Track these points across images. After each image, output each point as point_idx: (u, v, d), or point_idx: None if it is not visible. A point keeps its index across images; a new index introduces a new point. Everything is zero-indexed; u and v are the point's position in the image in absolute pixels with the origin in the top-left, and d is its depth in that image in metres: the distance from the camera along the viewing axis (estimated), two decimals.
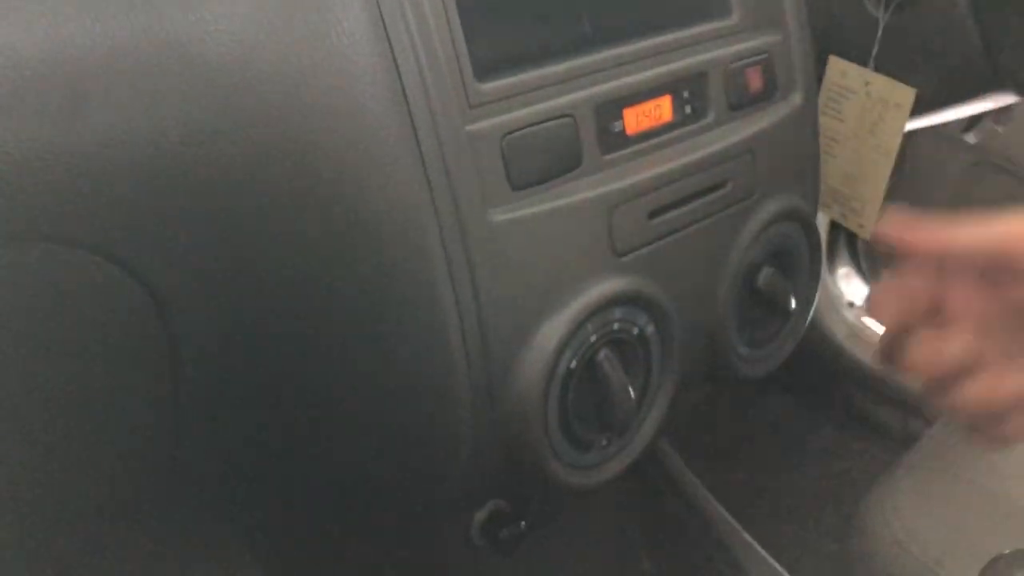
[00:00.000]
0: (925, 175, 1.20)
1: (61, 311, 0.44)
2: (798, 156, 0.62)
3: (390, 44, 0.42)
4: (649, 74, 0.53)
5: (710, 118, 0.56)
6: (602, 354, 0.51)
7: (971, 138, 1.01)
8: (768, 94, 0.59)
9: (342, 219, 0.44)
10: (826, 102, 0.77)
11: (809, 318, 0.67)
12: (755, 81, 0.58)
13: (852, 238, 1.33)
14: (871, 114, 0.77)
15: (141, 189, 0.42)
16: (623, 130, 0.52)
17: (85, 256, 0.43)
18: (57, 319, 0.44)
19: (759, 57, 0.58)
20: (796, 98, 0.61)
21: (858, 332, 1.29)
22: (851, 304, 1.46)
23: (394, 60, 0.43)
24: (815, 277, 0.66)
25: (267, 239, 0.45)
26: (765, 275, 0.59)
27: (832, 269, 1.36)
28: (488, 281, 0.46)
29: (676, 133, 0.54)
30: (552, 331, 0.48)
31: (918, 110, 0.75)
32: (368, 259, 0.45)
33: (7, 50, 0.38)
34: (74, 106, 0.40)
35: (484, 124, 0.46)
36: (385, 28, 0.42)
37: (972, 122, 1.00)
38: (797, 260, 0.63)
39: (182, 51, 0.41)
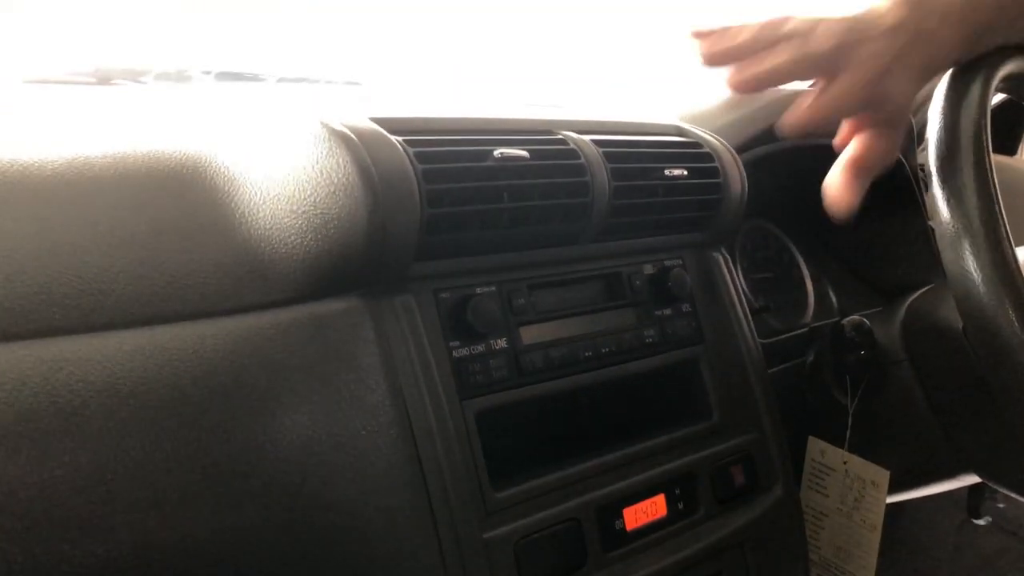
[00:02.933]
0: (923, 534, 1.24)
1: None
2: (787, 544, 0.67)
3: (420, 463, 0.50)
4: (644, 476, 0.60)
5: (701, 512, 0.62)
6: None
7: (981, 522, 1.06)
8: (752, 488, 0.66)
9: None
10: (810, 479, 0.83)
11: None
12: (739, 477, 0.65)
13: None
14: (852, 491, 0.84)
15: None
16: (623, 528, 0.58)
17: None
18: None
19: (741, 454, 0.66)
20: (778, 489, 0.68)
21: None
22: None
23: (423, 477, 0.50)
24: None
25: None
26: None
27: None
28: None
29: (671, 528, 0.60)
30: None
31: (896, 487, 0.81)
32: None
33: (92, 476, 0.45)
34: (146, 523, 0.46)
35: (499, 531, 0.52)
36: (417, 451, 0.50)
37: (974, 502, 1.05)
38: None
39: (249, 475, 0.48)
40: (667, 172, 0.64)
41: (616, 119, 0.67)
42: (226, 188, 0.52)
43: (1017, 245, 0.63)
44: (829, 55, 0.55)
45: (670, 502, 0.61)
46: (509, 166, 0.55)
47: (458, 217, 0.52)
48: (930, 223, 1.04)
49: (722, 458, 0.65)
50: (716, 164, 0.68)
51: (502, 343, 0.56)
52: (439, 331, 0.53)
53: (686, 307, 0.67)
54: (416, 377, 0.51)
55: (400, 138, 0.51)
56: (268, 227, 0.50)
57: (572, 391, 0.59)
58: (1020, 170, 1.28)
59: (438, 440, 0.51)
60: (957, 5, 0.59)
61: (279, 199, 0.50)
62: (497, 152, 0.54)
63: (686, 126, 0.72)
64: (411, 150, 0.51)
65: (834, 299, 1.06)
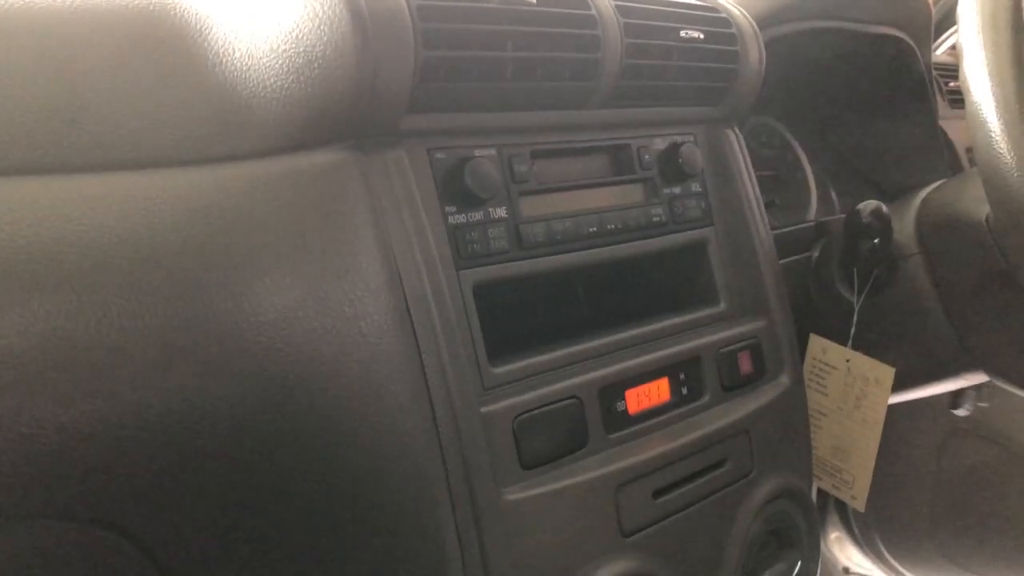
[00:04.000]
0: (910, 442, 1.23)
1: None
2: (790, 435, 0.64)
3: (415, 332, 0.46)
4: (648, 358, 0.56)
5: (706, 399, 0.59)
6: None
7: (960, 412, 1.05)
8: (758, 376, 0.63)
9: (358, 497, 0.45)
10: (811, 377, 0.81)
11: None
12: (745, 364, 0.62)
13: (842, 502, 1.33)
14: (854, 389, 0.81)
15: (167, 467, 0.43)
16: (626, 410, 0.54)
17: (95, 531, 0.43)
18: None
19: (748, 342, 0.63)
20: (784, 379, 0.65)
21: None
22: (846, 570, 1.42)
23: (417, 347, 0.46)
24: (814, 553, 0.66)
25: (282, 513, 0.46)
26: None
27: (824, 534, 1.35)
28: (498, 560, 0.46)
29: (675, 413, 0.57)
30: None
31: (898, 386, 0.79)
32: (380, 535, 0.46)
33: (57, 332, 0.41)
34: (112, 387, 0.42)
35: (497, 406, 0.48)
36: (411, 318, 0.46)
37: (956, 398, 1.04)
38: (796, 537, 0.64)
39: (224, 339, 0.44)
40: (683, 34, 0.58)
41: None
42: (196, 24, 0.46)
43: None
44: None
45: (674, 386, 0.58)
46: (514, 10, 0.49)
47: (457, 63, 0.47)
48: (942, 123, 1.00)
49: (729, 344, 0.61)
50: (734, 31, 0.63)
51: (501, 212, 0.51)
52: (434, 193, 0.49)
53: (696, 186, 0.63)
54: (409, 241, 0.46)
55: None
56: (244, 68, 0.45)
57: (574, 268, 0.55)
58: None
59: (434, 309, 0.47)
60: None
61: (255, 36, 0.44)
62: None
63: None
64: None
65: (836, 200, 1.02)
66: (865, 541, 1.39)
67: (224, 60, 0.45)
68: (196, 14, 0.46)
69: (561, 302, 0.57)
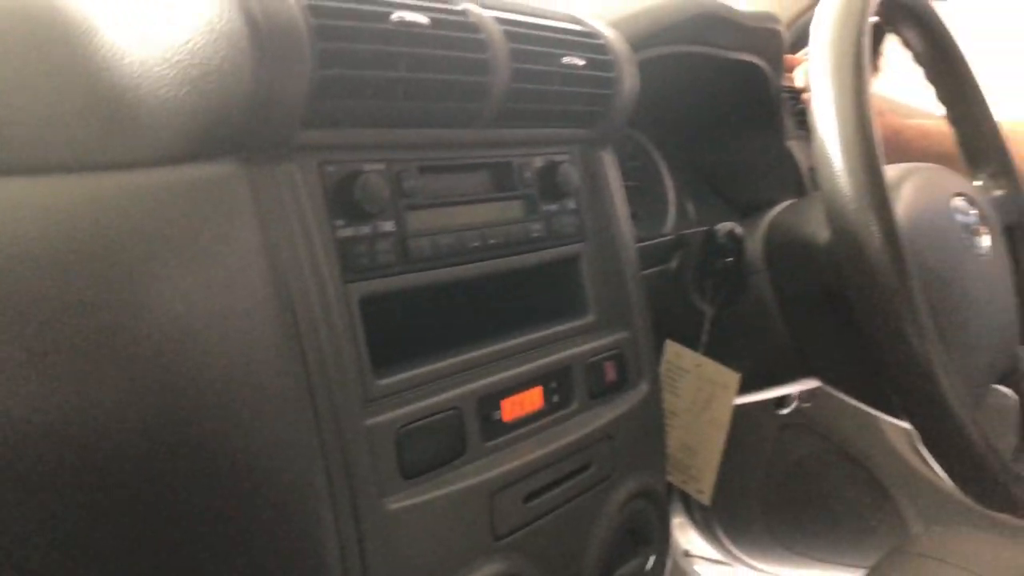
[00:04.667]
0: (746, 437, 1.33)
1: None
2: (648, 438, 0.69)
3: (301, 346, 0.47)
4: (523, 368, 0.59)
5: (574, 406, 0.63)
6: None
7: (783, 411, 1.14)
8: (621, 384, 0.67)
9: (239, 510, 0.46)
10: (665, 380, 0.87)
11: None
12: (610, 373, 0.66)
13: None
14: (704, 392, 0.88)
15: (25, 475, 0.42)
16: (501, 418, 0.57)
17: None
18: None
19: (613, 352, 0.67)
20: (644, 386, 0.69)
21: None
22: (686, 553, 1.53)
23: (304, 361, 0.47)
24: (665, 547, 0.71)
25: (160, 525, 0.46)
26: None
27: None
28: (378, 568, 0.48)
29: (546, 420, 0.60)
30: None
31: (743, 389, 0.86)
32: (261, 544, 0.47)
33: None
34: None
35: (381, 418, 0.50)
36: (298, 331, 0.47)
37: (781, 398, 1.14)
38: (650, 533, 0.69)
39: (102, 350, 0.43)
40: (565, 60, 0.61)
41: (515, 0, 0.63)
42: (83, 26, 0.44)
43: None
44: None
45: (547, 395, 0.61)
46: (407, 32, 0.50)
47: (351, 82, 0.48)
48: (789, 143, 1.09)
49: (596, 354, 0.65)
50: (612, 58, 0.66)
51: (389, 226, 0.53)
52: (323, 207, 0.49)
53: (572, 204, 0.66)
54: (297, 254, 0.47)
55: None
56: (136, 75, 0.44)
57: (458, 281, 0.57)
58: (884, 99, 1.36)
59: (320, 323, 0.47)
60: None
61: (148, 44, 0.44)
62: (396, 15, 0.50)
63: (580, 15, 0.69)
64: (304, 1, 0.45)
65: (693, 212, 1.09)
66: (704, 526, 1.49)
67: (114, 66, 0.44)
68: (83, 15, 0.44)
69: (445, 314, 0.59)
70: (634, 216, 0.95)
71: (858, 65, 0.66)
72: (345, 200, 0.50)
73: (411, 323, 0.56)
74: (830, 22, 0.69)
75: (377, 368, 0.51)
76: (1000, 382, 0.83)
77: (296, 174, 0.48)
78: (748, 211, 1.05)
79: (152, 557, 0.47)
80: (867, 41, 0.69)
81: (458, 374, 0.55)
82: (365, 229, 0.51)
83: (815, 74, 0.68)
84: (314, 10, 0.46)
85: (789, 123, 1.09)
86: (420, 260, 0.54)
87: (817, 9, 0.72)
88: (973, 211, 0.80)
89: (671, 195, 1.07)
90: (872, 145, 0.64)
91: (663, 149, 1.06)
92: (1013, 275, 0.86)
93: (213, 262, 0.45)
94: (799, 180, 1.11)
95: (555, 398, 0.62)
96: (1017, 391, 0.84)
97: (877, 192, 0.63)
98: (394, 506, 0.49)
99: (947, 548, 0.84)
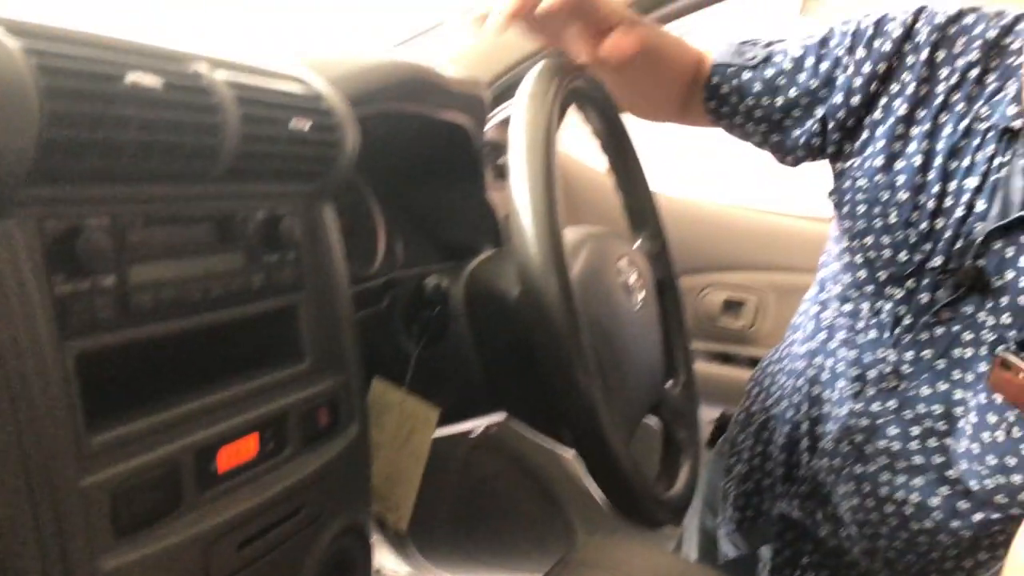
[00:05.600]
0: (439, 457, 1.43)
1: None
2: (356, 478, 0.74)
3: (14, 408, 0.46)
4: (240, 418, 0.62)
5: (288, 452, 0.66)
6: None
7: (472, 435, 1.25)
8: (333, 427, 0.72)
9: None
10: (371, 416, 0.92)
11: None
12: (323, 418, 0.70)
13: None
14: (406, 426, 0.94)
15: None
16: (217, 470, 0.59)
17: None
18: None
19: (327, 397, 0.71)
20: (354, 429, 0.74)
21: None
22: (378, 571, 1.59)
23: (16, 422, 0.46)
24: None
25: None
26: None
27: None
28: None
29: (262, 468, 0.63)
30: None
31: (441, 422, 0.94)
32: None
33: None
34: None
35: (96, 477, 0.50)
36: (11, 394, 0.45)
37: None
38: (355, 565, 0.74)
39: None
40: (292, 124, 0.65)
41: (247, 59, 0.66)
42: None
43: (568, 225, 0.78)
44: None
45: (262, 443, 0.63)
46: (140, 95, 0.51)
47: (80, 142, 0.48)
48: (489, 193, 1.20)
49: (311, 401, 0.69)
50: (335, 120, 0.71)
51: (111, 281, 0.53)
52: (42, 263, 0.48)
53: (291, 255, 0.69)
54: (11, 312, 0.46)
55: (22, 43, 0.44)
56: None
57: (180, 334, 0.58)
58: (578, 163, 1.53)
59: (34, 381, 0.47)
60: None
61: None
62: (129, 77, 0.50)
63: (308, 75, 0.73)
64: (34, 60, 0.45)
65: (401, 252, 1.16)
66: (398, 543, 1.57)
67: None
68: None
69: (166, 365, 0.59)
70: (348, 257, 1.00)
71: (547, 149, 0.77)
72: (66, 256, 0.50)
73: (131, 376, 0.56)
74: (525, 106, 0.80)
75: (93, 425, 0.51)
76: (650, 412, 1.00)
77: (14, 230, 0.47)
78: (452, 252, 1.14)
79: None
80: (555, 124, 0.80)
81: (176, 426, 0.57)
82: (85, 285, 0.51)
83: (513, 154, 0.78)
84: (44, 70, 0.45)
85: (489, 175, 1.20)
86: (141, 315, 0.55)
87: (517, 91, 0.83)
88: (633, 271, 0.96)
89: (381, 234, 1.13)
90: (554, 220, 0.74)
91: (376, 191, 1.12)
92: (661, 321, 1.04)
93: None
94: (496, 227, 1.23)
95: (270, 445, 0.64)
96: (662, 420, 1.01)
97: (557, 259, 0.74)
98: (108, 565, 0.49)
99: (604, 555, 0.99)
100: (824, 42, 0.89)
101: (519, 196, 0.76)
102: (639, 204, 1.07)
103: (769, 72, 0.91)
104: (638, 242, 1.07)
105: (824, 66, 0.88)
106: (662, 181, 1.19)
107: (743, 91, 0.93)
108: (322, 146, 0.69)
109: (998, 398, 0.76)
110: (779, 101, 0.91)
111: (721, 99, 0.95)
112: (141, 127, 0.51)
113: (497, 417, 1.00)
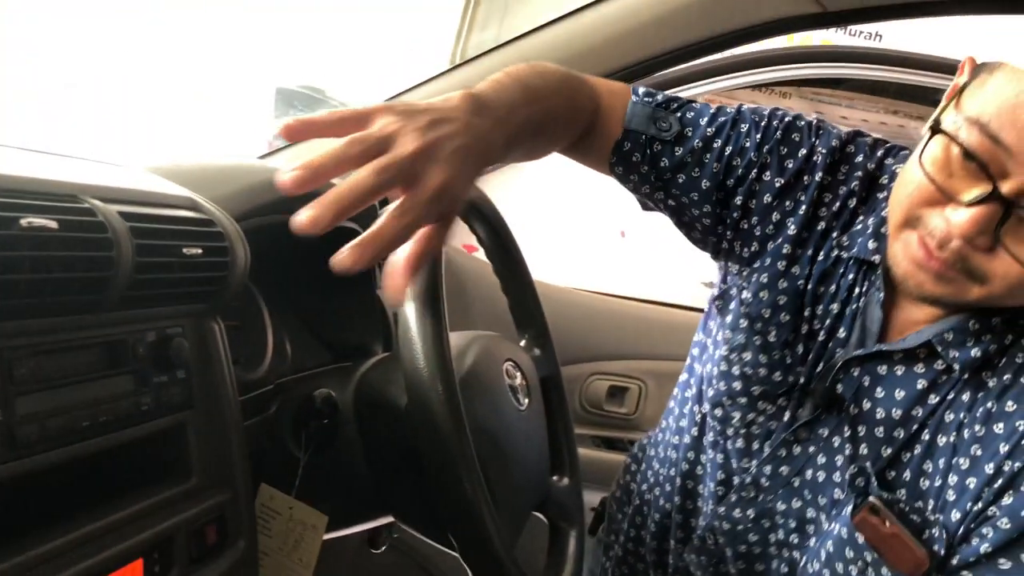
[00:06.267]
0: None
1: None
2: None
3: None
4: (125, 544, 0.62)
5: (175, 574, 0.66)
6: None
7: (378, 551, 1.24)
8: (221, 544, 0.72)
9: None
10: (258, 521, 0.92)
11: None
12: (211, 536, 0.71)
13: None
14: (294, 533, 0.95)
15: None
16: None
17: None
18: None
19: (215, 515, 0.72)
20: (242, 543, 0.75)
21: None
22: None
23: None
24: None
25: None
26: None
27: None
28: None
29: None
30: None
31: (330, 527, 0.95)
32: None
33: None
34: None
35: None
36: None
37: (374, 538, 1.24)
38: None
39: None
40: (185, 251, 0.67)
41: (140, 187, 0.68)
42: None
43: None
44: (411, 161, 0.58)
45: (148, 567, 0.64)
46: (34, 236, 0.53)
47: None
48: (379, 293, 1.23)
49: (199, 519, 0.69)
50: (226, 244, 0.73)
51: None
52: None
53: (181, 374, 0.71)
54: None
55: None
56: None
57: (66, 462, 0.58)
58: (471, 267, 1.58)
59: None
60: (504, 110, 0.68)
61: None
62: (25, 220, 0.52)
63: (199, 199, 0.76)
64: None
65: (290, 353, 1.17)
66: None
67: None
68: None
69: (49, 493, 0.59)
70: (236, 363, 1.01)
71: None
72: None
73: (14, 510, 0.56)
74: None
75: None
76: (537, 510, 1.03)
77: None
78: (342, 352, 1.16)
79: None
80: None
81: (60, 557, 0.56)
82: None
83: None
84: None
85: (379, 273, 1.23)
86: (28, 445, 0.55)
87: None
88: (519, 374, 1.00)
89: (270, 336, 1.14)
90: (441, 328, 0.78)
91: (265, 294, 1.14)
92: (546, 418, 1.08)
93: None
94: (388, 325, 1.26)
95: (155, 569, 0.64)
96: (548, 516, 1.05)
97: (443, 368, 0.77)
98: None
99: None
100: (735, 124, 0.86)
101: (407, 305, 0.79)
102: (524, 306, 1.12)
103: (679, 150, 0.87)
104: (523, 342, 1.12)
105: (729, 151, 0.85)
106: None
107: (654, 163, 0.88)
108: (214, 268, 0.72)
109: (860, 537, 0.76)
110: (681, 180, 0.87)
111: (630, 167, 0.89)
112: (35, 267, 0.53)
113: (385, 519, 1.02)
